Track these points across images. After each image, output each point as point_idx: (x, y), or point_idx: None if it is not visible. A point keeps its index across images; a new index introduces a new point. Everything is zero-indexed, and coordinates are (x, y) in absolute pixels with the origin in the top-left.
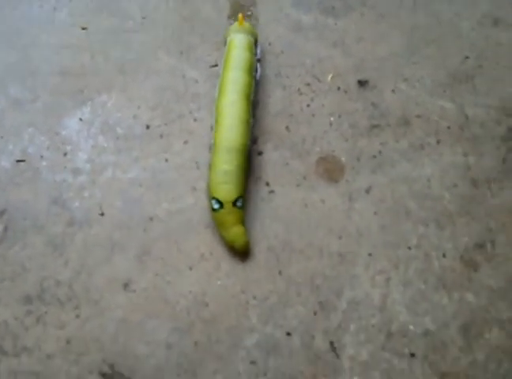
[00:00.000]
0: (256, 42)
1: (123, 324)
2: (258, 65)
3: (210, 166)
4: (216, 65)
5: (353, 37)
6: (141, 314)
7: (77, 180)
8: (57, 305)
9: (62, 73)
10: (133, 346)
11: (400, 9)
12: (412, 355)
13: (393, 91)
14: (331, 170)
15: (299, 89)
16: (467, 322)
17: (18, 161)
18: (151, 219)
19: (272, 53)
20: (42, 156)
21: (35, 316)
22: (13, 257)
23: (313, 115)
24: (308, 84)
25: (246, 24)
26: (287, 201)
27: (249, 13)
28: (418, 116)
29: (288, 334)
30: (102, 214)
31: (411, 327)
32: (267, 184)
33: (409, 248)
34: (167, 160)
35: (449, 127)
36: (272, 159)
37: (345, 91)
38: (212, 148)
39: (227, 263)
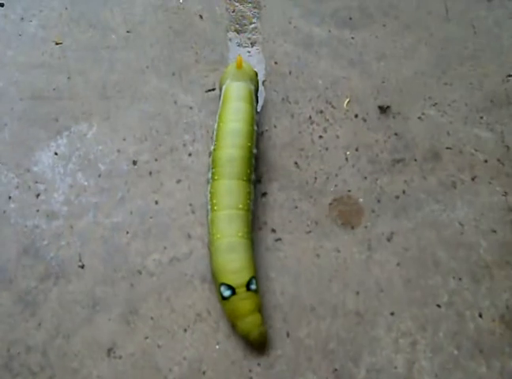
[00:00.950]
0: (257, 89)
1: None
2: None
3: (210, 241)
4: (214, 89)
5: (373, 53)
6: None
7: (51, 225)
8: (27, 376)
9: (32, 97)
10: None
11: (430, 19)
12: None
13: (419, 118)
14: (347, 213)
15: (310, 117)
16: None
17: None
18: (139, 271)
19: (279, 73)
20: (10, 197)
21: None
22: None
23: (326, 149)
24: (321, 112)
25: (246, 66)
26: (296, 251)
27: (252, 25)
28: (449, 148)
29: None
30: (82, 266)
31: None
32: (273, 231)
33: (439, 306)
34: (157, 202)
35: (486, 161)
36: (278, 200)
37: (364, 120)
38: (209, 213)
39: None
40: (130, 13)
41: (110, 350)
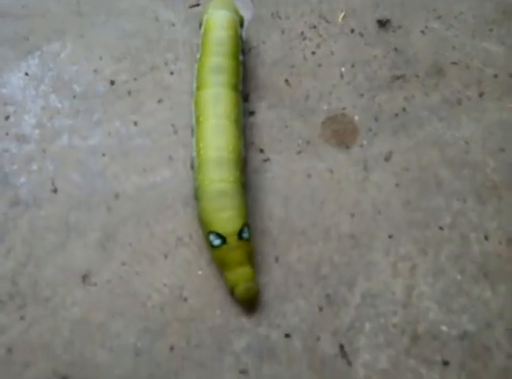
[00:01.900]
0: (242, 22)
1: (80, 326)
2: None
3: (197, 188)
4: (198, 5)
5: None
6: (104, 313)
7: (22, 149)
8: None
9: (0, 14)
10: (92, 353)
11: None
12: (446, 363)
13: (422, 32)
14: (341, 132)
15: (302, 33)
16: None
17: None
18: (116, 196)
19: None
20: None
21: None
22: None
23: (319, 65)
24: (314, 27)
25: (229, 0)
26: (285, 172)
27: None
28: (454, 63)
29: (287, 336)
30: (55, 190)
31: (443, 328)
32: (261, 151)
33: (441, 228)
34: (136, 123)
35: (495, 75)
36: (267, 119)
37: (361, 35)
38: (194, 161)
39: None
40: None
41: (84, 277)
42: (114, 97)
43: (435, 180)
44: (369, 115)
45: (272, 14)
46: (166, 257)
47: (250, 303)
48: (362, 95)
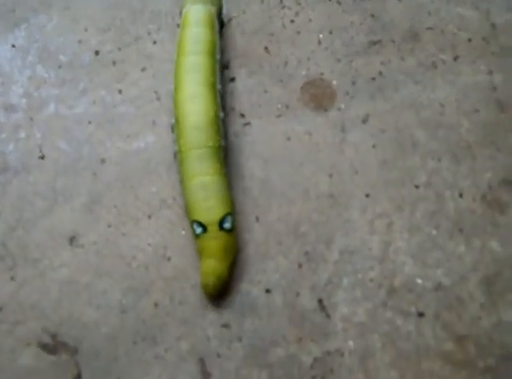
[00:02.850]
0: (220, 11)
1: (68, 286)
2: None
3: (181, 179)
4: None
5: None
6: (90, 273)
7: (10, 118)
8: None
9: None
10: (80, 311)
11: None
12: (421, 315)
13: None
14: (319, 96)
15: (281, 1)
16: (490, 275)
17: None
18: (102, 161)
19: None
20: None
21: None
22: None
23: (298, 33)
24: None
25: None
26: (265, 135)
27: None
28: (430, 28)
29: (268, 291)
30: (42, 157)
31: (419, 281)
32: (242, 115)
33: (417, 187)
34: (120, 92)
35: (470, 39)
36: (247, 85)
37: (338, 2)
38: (176, 155)
39: None
40: None
41: (72, 239)
42: (99, 67)
43: (411, 141)
44: (346, 80)
45: None
46: (150, 218)
47: (213, 297)
48: (339, 60)
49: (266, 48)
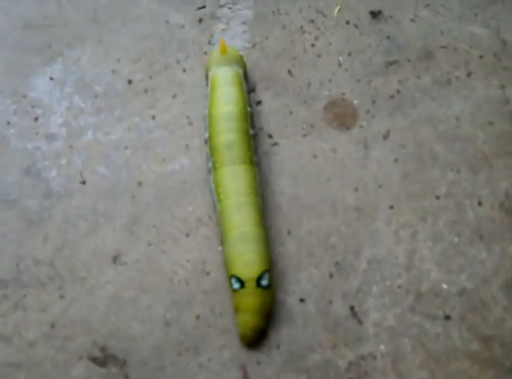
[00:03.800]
0: (245, 72)
1: (114, 302)
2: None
3: (221, 232)
4: (204, 7)
5: None
6: (135, 289)
7: (51, 147)
8: (37, 287)
9: (24, 25)
10: (126, 325)
11: None
12: (447, 318)
13: (412, 20)
14: (342, 115)
15: (301, 27)
16: (511, 278)
17: None
18: (139, 184)
19: None
20: (9, 123)
21: (12, 301)
22: None
23: (319, 56)
24: (312, 21)
25: (231, 50)
26: (293, 154)
27: None
28: (443, 47)
29: (302, 300)
30: (83, 182)
31: (444, 286)
32: (269, 136)
33: (437, 197)
34: (154, 118)
35: (481, 56)
36: (273, 107)
37: (355, 26)
38: (216, 203)
39: None
40: None
41: (115, 258)
42: (132, 95)
43: (430, 154)
44: (366, 98)
45: (273, 12)
46: (188, 236)
47: (250, 346)
48: (359, 80)
49: (289, 71)
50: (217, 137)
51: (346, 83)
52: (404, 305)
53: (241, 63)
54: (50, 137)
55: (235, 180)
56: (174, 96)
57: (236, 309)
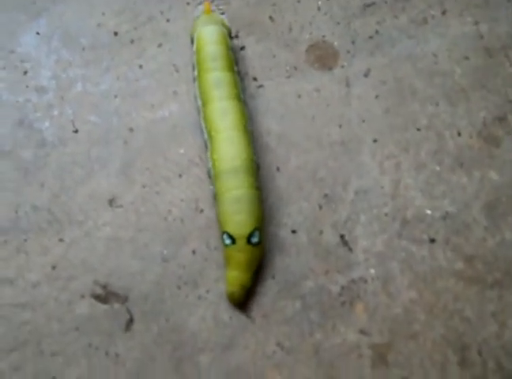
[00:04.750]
0: (230, 33)
1: (113, 243)
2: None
3: (215, 196)
4: None
5: None
6: (132, 230)
7: (43, 99)
8: (37, 232)
9: None
10: (126, 263)
11: None
12: (432, 241)
13: None
14: (323, 57)
15: None
16: (491, 201)
17: None
18: (131, 130)
19: None
20: None
21: (13, 245)
22: None
23: (298, 1)
24: None
25: (215, 15)
26: (278, 94)
27: None
28: None
29: (294, 232)
30: (76, 131)
31: (428, 211)
32: (254, 79)
33: (419, 129)
34: (141, 67)
35: None
36: (256, 52)
37: None
38: (211, 171)
39: None
40: None
41: (111, 201)
42: (118, 46)
43: (410, 89)
44: (346, 40)
45: None
46: (180, 176)
47: (236, 304)
48: (338, 23)
49: (271, 17)
50: (205, 76)
51: (326, 26)
52: (391, 231)
53: (225, 26)
54: (41, 90)
55: (225, 114)
56: (159, 45)
57: (227, 264)
